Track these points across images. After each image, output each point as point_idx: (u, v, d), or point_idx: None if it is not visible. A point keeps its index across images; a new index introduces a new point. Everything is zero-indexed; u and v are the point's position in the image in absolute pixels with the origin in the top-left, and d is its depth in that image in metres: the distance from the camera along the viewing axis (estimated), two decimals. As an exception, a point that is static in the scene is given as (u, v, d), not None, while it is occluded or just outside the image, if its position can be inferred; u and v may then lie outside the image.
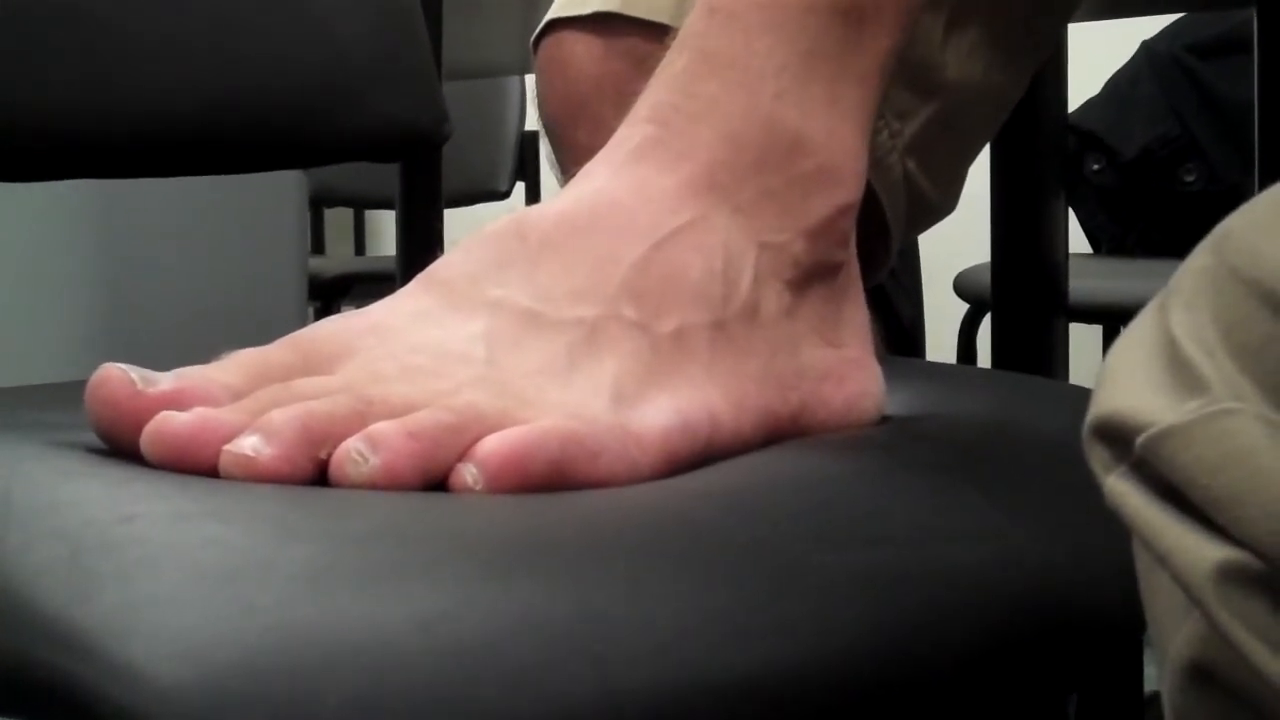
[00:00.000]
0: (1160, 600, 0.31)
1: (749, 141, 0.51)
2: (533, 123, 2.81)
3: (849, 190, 0.52)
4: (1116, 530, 0.42)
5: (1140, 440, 0.30)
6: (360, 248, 3.34)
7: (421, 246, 0.93)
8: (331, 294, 2.42)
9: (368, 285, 2.54)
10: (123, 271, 1.48)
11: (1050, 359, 1.37)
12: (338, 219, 3.34)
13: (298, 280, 1.68)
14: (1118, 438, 0.31)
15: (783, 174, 0.51)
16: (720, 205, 0.50)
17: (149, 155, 0.75)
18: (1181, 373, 0.30)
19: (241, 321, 1.56)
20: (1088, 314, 1.78)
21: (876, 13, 0.52)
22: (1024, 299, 1.36)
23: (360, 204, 3.15)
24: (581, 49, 0.78)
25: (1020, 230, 1.36)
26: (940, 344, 2.31)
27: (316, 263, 2.42)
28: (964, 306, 1.97)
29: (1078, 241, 1.73)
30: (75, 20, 0.72)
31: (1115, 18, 1.64)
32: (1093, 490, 0.49)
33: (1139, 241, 2.11)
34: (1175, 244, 2.07)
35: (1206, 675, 0.29)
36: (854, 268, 0.54)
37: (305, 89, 0.78)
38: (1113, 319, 2.09)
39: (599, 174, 0.51)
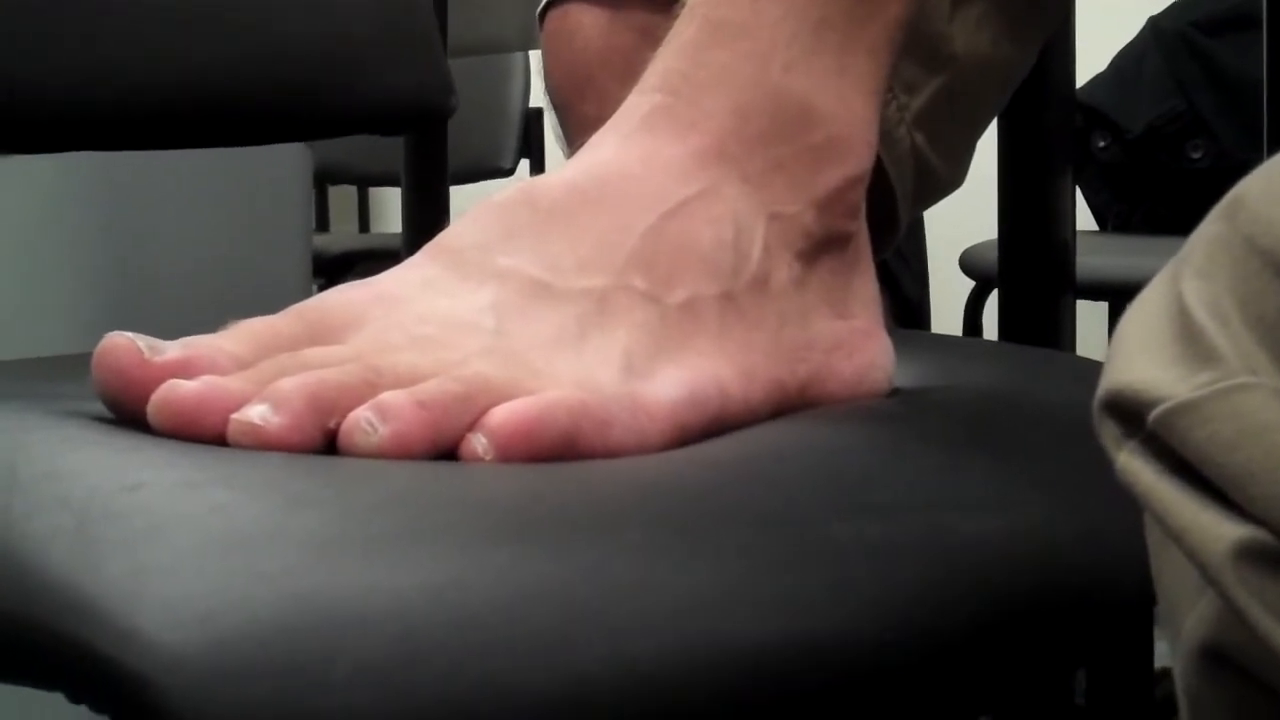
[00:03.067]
0: (1172, 578, 0.31)
1: (758, 111, 0.50)
2: (537, 99, 2.81)
3: (859, 161, 0.52)
4: (1127, 504, 0.41)
5: (1152, 415, 0.29)
6: (364, 225, 3.33)
7: (428, 221, 0.92)
8: (335, 271, 2.42)
9: (371, 262, 2.53)
10: (127, 246, 1.48)
11: (1058, 336, 1.37)
12: (342, 197, 3.33)
13: (302, 257, 1.67)
14: (1129, 412, 0.30)
15: (792, 144, 0.51)
16: (730, 175, 0.50)
17: (151, 127, 0.74)
18: (1194, 344, 0.29)
19: (246, 297, 1.56)
20: (1094, 291, 1.77)
21: None
22: (1031, 276, 1.35)
23: (365, 181, 3.14)
24: (588, 21, 0.78)
25: (1028, 207, 1.35)
26: (945, 321, 2.31)
27: (320, 240, 2.41)
28: (970, 283, 1.96)
29: (1083, 219, 1.72)
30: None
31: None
32: (1103, 463, 0.49)
33: (1145, 219, 2.10)
34: (1181, 221, 2.04)
35: (1221, 655, 0.29)
36: (864, 239, 0.54)
37: (309, 60, 0.78)
38: (1119, 296, 2.08)
39: (608, 143, 0.51)
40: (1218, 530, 0.27)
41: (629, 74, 0.61)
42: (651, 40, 0.67)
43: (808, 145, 0.51)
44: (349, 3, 0.79)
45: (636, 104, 0.52)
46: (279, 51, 0.77)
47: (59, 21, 0.71)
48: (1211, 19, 2.04)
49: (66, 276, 1.45)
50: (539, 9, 0.82)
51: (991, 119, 0.90)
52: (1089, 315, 1.56)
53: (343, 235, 2.81)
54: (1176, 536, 0.28)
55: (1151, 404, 0.29)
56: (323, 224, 3.03)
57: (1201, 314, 0.30)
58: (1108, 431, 0.31)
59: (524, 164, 2.82)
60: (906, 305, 2.13)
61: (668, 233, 0.48)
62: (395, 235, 2.95)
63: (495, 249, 0.47)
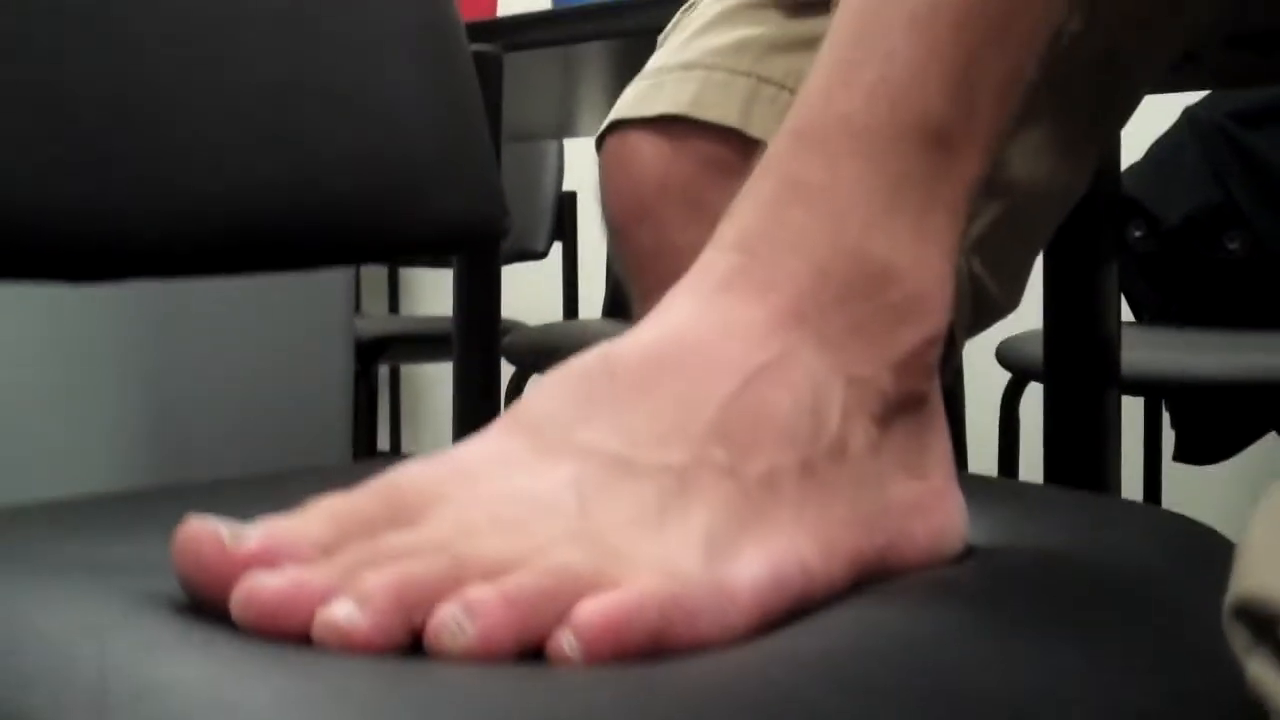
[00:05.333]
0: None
1: (836, 272, 0.50)
2: (570, 184, 2.83)
3: (936, 321, 0.52)
4: (1222, 680, 0.41)
5: None
6: (394, 305, 3.34)
7: (478, 333, 0.92)
8: (370, 355, 2.42)
9: (405, 345, 2.54)
10: (169, 332, 1.48)
11: (1103, 432, 1.36)
12: (372, 276, 3.34)
13: (344, 341, 1.68)
14: (1260, 619, 0.30)
15: (870, 305, 0.50)
16: (807, 339, 0.49)
17: (211, 255, 0.74)
18: None
19: (288, 384, 1.56)
20: (1133, 386, 1.76)
21: (967, 139, 0.52)
22: (1076, 370, 1.35)
23: (395, 261, 3.15)
24: (648, 149, 0.78)
25: (1073, 300, 1.35)
26: (980, 412, 2.30)
27: (356, 323, 2.42)
28: (1005, 375, 1.95)
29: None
30: (136, 122, 0.72)
31: (1163, 93, 1.63)
32: (1186, 634, 0.48)
33: (1181, 310, 2.09)
34: (1219, 313, 2.05)
35: None
36: (937, 396, 0.54)
37: (368, 187, 0.78)
38: (1156, 392, 2.08)
39: (685, 304, 0.50)
40: None
41: (687, 203, 0.61)
42: (711, 171, 0.67)
43: (885, 305, 0.50)
44: (408, 126, 0.79)
45: (713, 262, 0.51)
46: (338, 178, 0.77)
47: (116, 152, 0.71)
48: (1248, 111, 2.05)
49: (108, 355, 1.45)
50: (598, 134, 0.82)
51: (1046, 242, 0.90)
52: (1127, 409, 1.55)
53: (377, 320, 2.81)
54: None
55: None
56: (355, 305, 3.04)
57: None
58: (1238, 636, 0.31)
59: (557, 246, 2.83)
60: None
61: (746, 401, 0.47)
62: (428, 318, 2.96)
63: (573, 422, 0.46)
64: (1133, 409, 2.17)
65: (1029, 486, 0.67)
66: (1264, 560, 0.31)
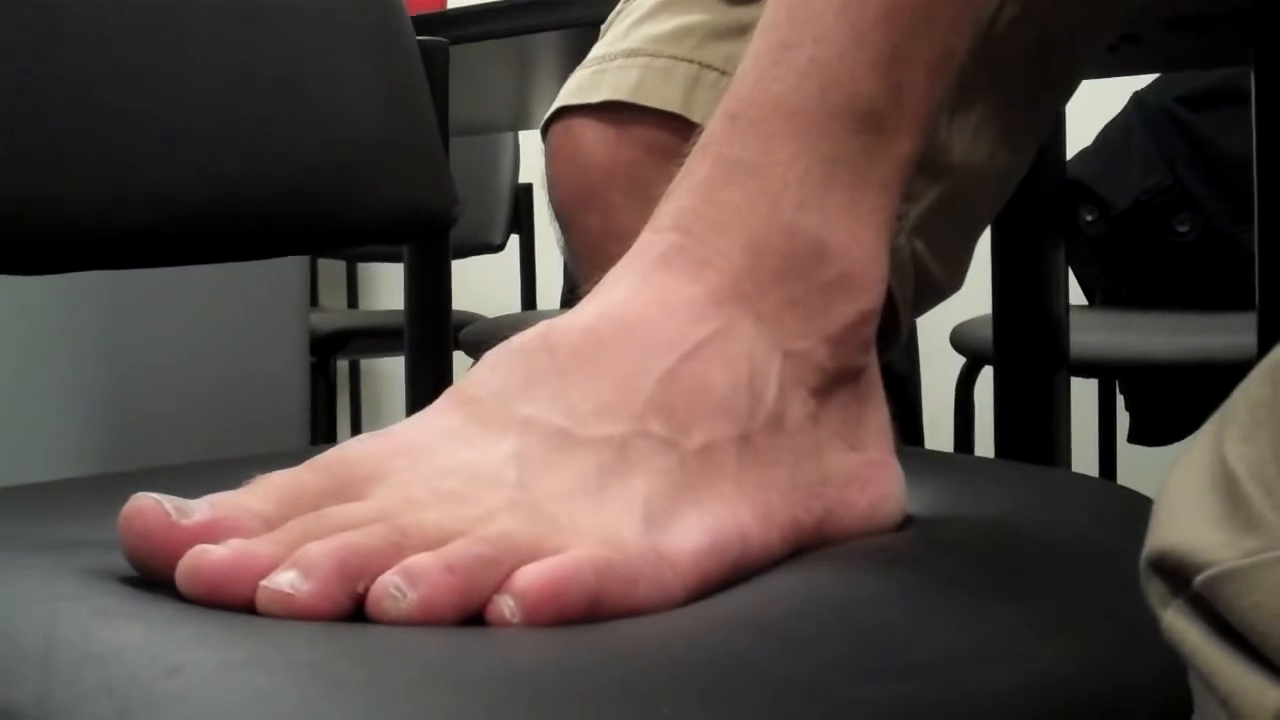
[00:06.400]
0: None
1: (772, 250, 0.51)
2: (526, 176, 2.83)
3: (871, 296, 0.53)
4: (1147, 645, 0.42)
5: (1198, 580, 0.30)
6: (353, 300, 3.34)
7: (430, 324, 0.93)
8: (328, 349, 2.42)
9: (363, 339, 2.54)
10: (125, 322, 1.48)
11: (1053, 414, 1.38)
12: (331, 272, 3.34)
13: (299, 335, 1.68)
14: (1175, 572, 0.31)
15: (805, 281, 0.51)
16: (744, 314, 0.50)
17: (162, 245, 0.75)
18: (1239, 509, 0.30)
19: (244, 375, 1.56)
20: (1085, 368, 1.78)
21: (897, 120, 0.53)
22: (1026, 353, 1.36)
23: (354, 256, 3.15)
24: (592, 136, 0.79)
25: (1021, 285, 1.36)
26: (936, 397, 2.32)
27: (312, 317, 2.42)
28: (960, 359, 1.97)
29: (1070, 293, 1.74)
30: (88, 114, 0.72)
31: (1109, 76, 1.65)
32: (1119, 601, 0.49)
33: (1133, 293, 2.11)
34: (1170, 296, 2.07)
35: None
36: (875, 370, 0.55)
37: (316, 176, 0.79)
38: (1109, 374, 2.09)
39: (624, 282, 0.51)
40: (1263, 697, 0.28)
41: (633, 189, 0.62)
42: (655, 156, 0.68)
43: (821, 281, 0.51)
44: (356, 118, 0.80)
45: (651, 242, 0.52)
46: (286, 167, 0.77)
47: (72, 143, 0.72)
48: (1195, 94, 2.06)
49: (65, 344, 1.45)
50: (543, 123, 0.83)
51: (989, 222, 0.91)
52: (1079, 391, 1.57)
53: (335, 314, 2.81)
54: (1223, 698, 0.29)
55: (1198, 567, 0.30)
56: (312, 299, 3.04)
57: (1246, 479, 0.30)
58: (1154, 589, 0.32)
59: (514, 240, 2.84)
60: (896, 379, 2.13)
61: (684, 376, 0.48)
62: (385, 312, 2.96)
63: (515, 397, 0.47)
64: (1088, 392, 2.19)
65: (971, 459, 0.68)
66: (1179, 516, 0.32)
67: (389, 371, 3.45)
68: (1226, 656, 0.29)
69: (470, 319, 2.63)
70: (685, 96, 0.76)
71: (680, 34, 0.79)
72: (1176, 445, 2.13)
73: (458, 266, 1.82)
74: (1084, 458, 1.97)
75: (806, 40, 0.52)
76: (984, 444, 1.83)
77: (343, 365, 3.31)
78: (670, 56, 0.78)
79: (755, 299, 0.51)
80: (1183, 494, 0.32)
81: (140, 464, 0.83)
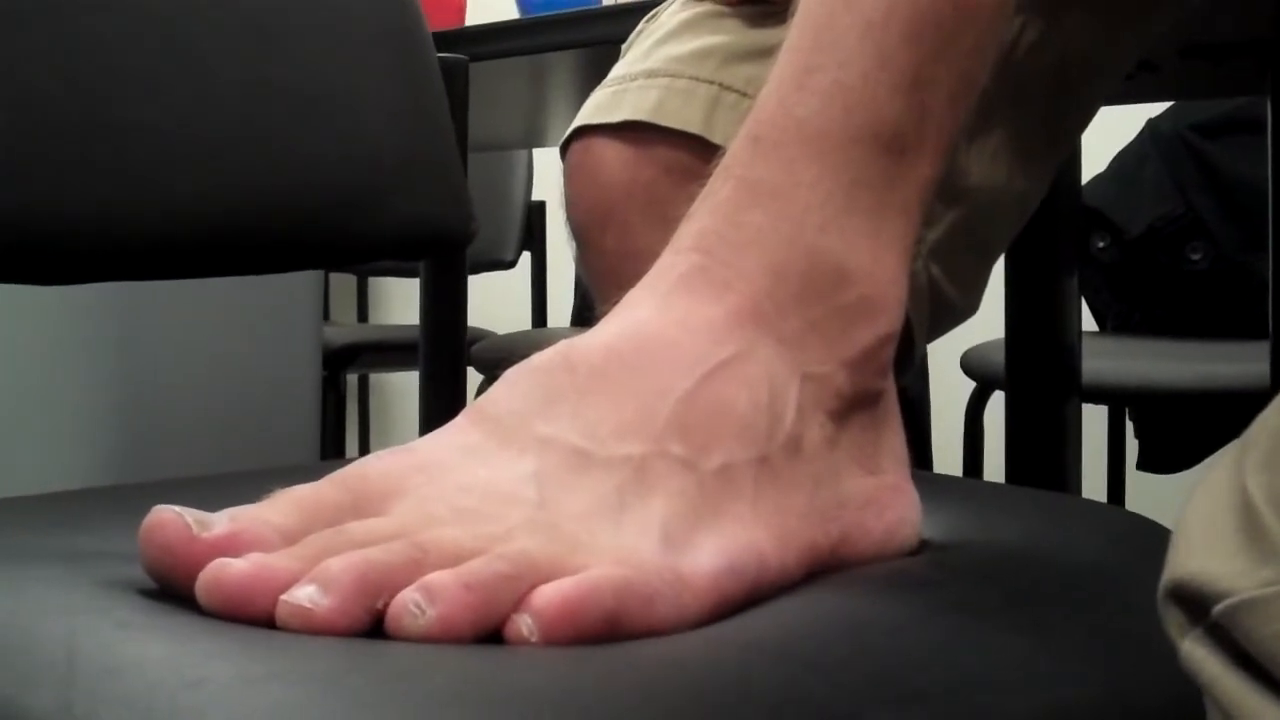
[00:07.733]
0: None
1: (793, 272, 0.51)
2: (539, 193, 2.84)
3: (890, 320, 0.53)
4: (1162, 673, 0.42)
5: (1217, 609, 0.30)
6: (363, 315, 3.35)
7: (445, 340, 0.93)
8: (339, 363, 2.42)
9: (374, 354, 2.54)
10: (139, 333, 1.48)
11: (1064, 440, 1.37)
12: (341, 285, 3.35)
13: (313, 348, 1.68)
14: (1194, 601, 0.31)
15: (826, 304, 0.51)
16: (764, 337, 0.50)
17: (178, 257, 0.75)
18: (1259, 538, 0.30)
19: (257, 388, 1.57)
20: (1096, 395, 1.78)
21: (918, 144, 0.53)
22: (1038, 379, 1.36)
23: (365, 270, 3.16)
24: (611, 155, 0.79)
25: (1034, 310, 1.36)
26: (946, 420, 2.31)
27: (324, 331, 2.42)
28: (970, 383, 1.97)
29: (1083, 319, 1.74)
30: (103, 125, 0.72)
31: (1124, 104, 1.65)
32: (1134, 628, 0.49)
33: (1144, 320, 2.11)
34: (1182, 323, 2.07)
35: None
36: (892, 394, 0.55)
37: (334, 190, 0.79)
38: (1119, 400, 2.09)
39: (645, 303, 0.51)
40: None
41: (652, 209, 0.62)
42: (674, 176, 0.68)
43: (841, 305, 0.52)
44: (375, 131, 0.80)
45: (672, 263, 0.52)
46: (303, 182, 0.78)
47: (87, 155, 0.72)
48: (1209, 122, 2.06)
49: (79, 358, 1.45)
50: (561, 141, 0.83)
51: (1006, 246, 0.91)
52: (1089, 417, 1.57)
53: (346, 328, 2.82)
54: None
55: (1216, 596, 0.30)
56: (324, 313, 3.04)
57: (1267, 510, 0.30)
58: (1172, 618, 0.32)
59: (525, 256, 2.84)
60: (906, 400, 2.13)
61: (704, 397, 0.48)
62: (396, 326, 2.96)
63: (535, 416, 0.47)
64: (1098, 418, 2.19)
65: (985, 485, 0.68)
66: (1197, 544, 0.32)
67: (397, 386, 3.45)
68: (1245, 686, 0.29)
69: (481, 335, 2.63)
70: (706, 117, 0.77)
71: (701, 55, 0.79)
72: (1186, 473, 2.13)
73: (469, 282, 1.82)
74: (1093, 484, 1.97)
75: (830, 64, 0.52)
76: (991, 469, 1.83)
77: (351, 379, 3.31)
78: (691, 77, 0.78)
79: (776, 321, 0.51)
80: (1202, 522, 0.32)
81: (151, 475, 0.83)
